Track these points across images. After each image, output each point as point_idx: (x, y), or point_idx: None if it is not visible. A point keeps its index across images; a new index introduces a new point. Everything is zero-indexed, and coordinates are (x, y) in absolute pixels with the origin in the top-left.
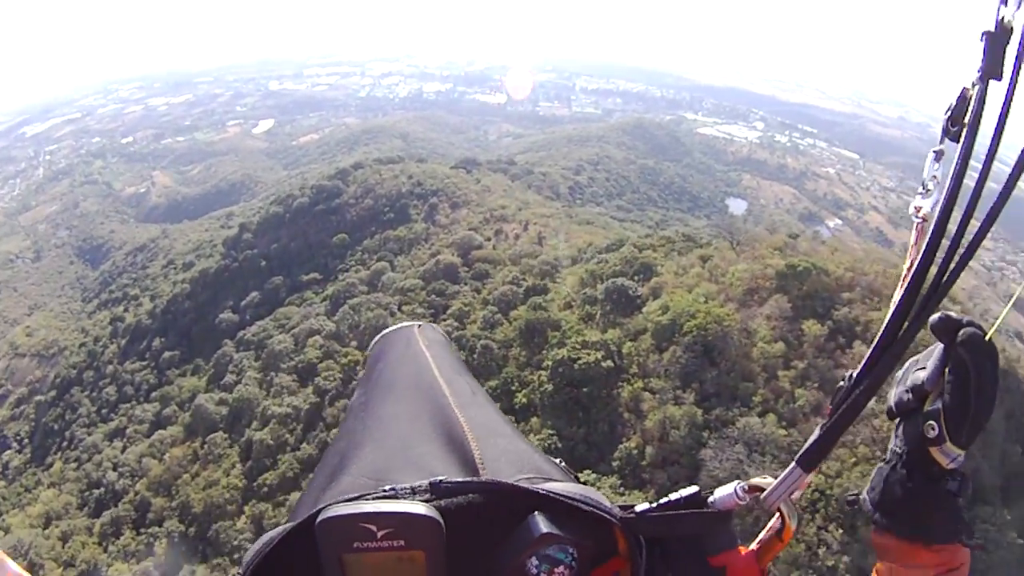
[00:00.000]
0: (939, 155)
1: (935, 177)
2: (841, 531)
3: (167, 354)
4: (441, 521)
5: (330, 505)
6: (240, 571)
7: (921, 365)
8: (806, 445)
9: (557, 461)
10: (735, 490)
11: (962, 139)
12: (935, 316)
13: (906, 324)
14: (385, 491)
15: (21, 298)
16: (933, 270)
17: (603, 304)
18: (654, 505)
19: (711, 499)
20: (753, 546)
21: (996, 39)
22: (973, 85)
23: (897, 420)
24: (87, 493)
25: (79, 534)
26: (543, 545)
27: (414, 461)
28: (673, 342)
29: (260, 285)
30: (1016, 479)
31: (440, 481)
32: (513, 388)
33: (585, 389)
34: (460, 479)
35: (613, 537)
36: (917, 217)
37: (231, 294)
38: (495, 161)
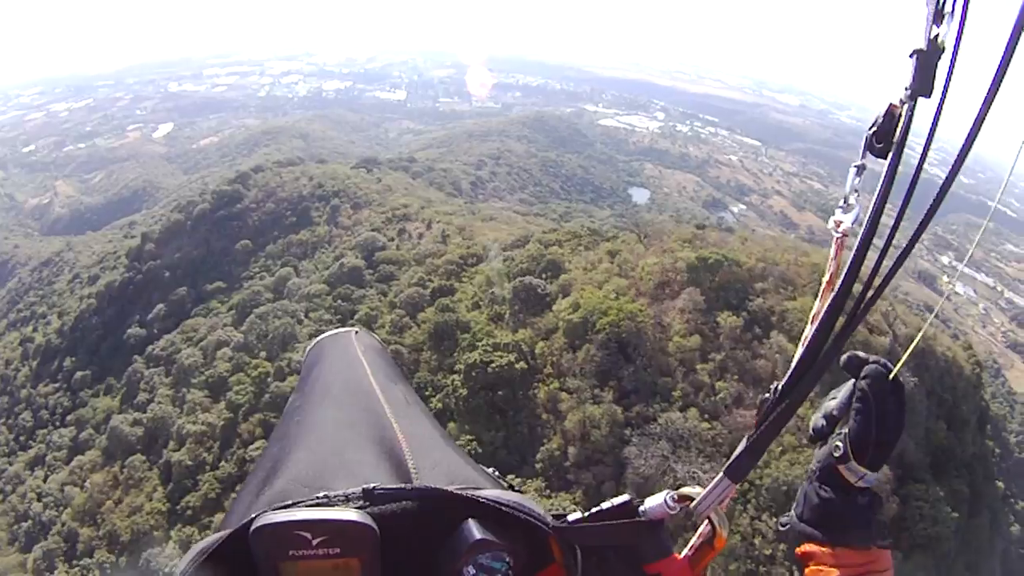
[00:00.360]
0: (860, 170)
1: (856, 192)
2: (775, 519)
3: (79, 374)
4: (376, 528)
5: (264, 512)
6: None
7: (833, 396)
8: (733, 456)
9: (490, 471)
10: (665, 500)
11: (890, 157)
12: (844, 356)
13: (831, 337)
14: (319, 498)
15: None
16: (860, 281)
17: (512, 304)
18: (586, 514)
19: (642, 508)
20: (686, 553)
21: (927, 57)
22: (901, 103)
23: (817, 443)
24: (16, 527)
25: (14, 571)
26: (477, 551)
27: (348, 468)
28: (587, 340)
29: (165, 297)
30: (943, 454)
31: (374, 488)
32: (427, 393)
33: (500, 392)
34: (394, 486)
35: (548, 546)
36: (837, 232)
37: (137, 308)
38: (396, 159)
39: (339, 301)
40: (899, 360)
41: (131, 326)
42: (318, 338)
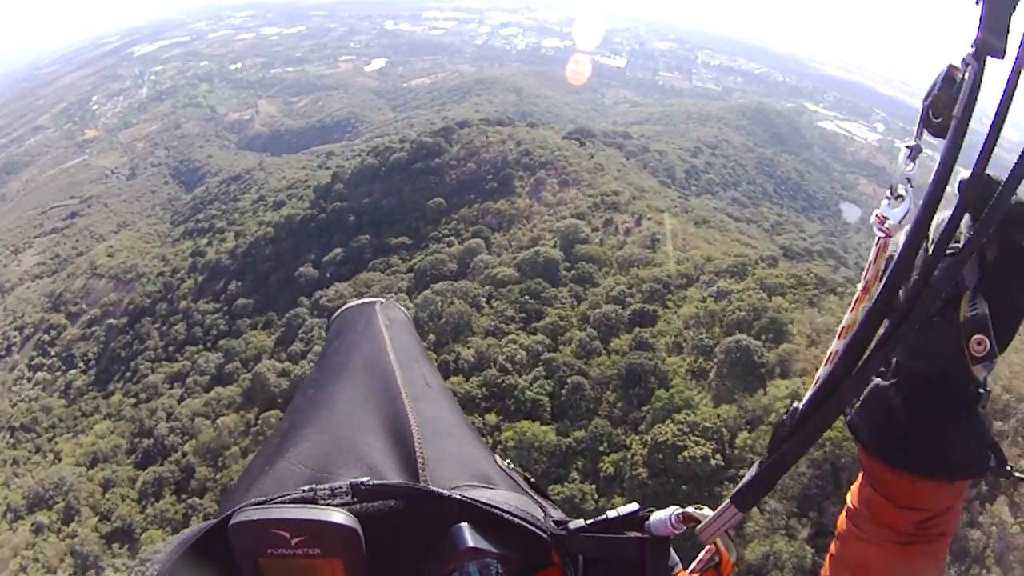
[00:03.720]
0: (914, 152)
1: (908, 180)
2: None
3: (241, 301)
4: (359, 529)
5: (243, 508)
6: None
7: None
8: (741, 483)
9: (507, 464)
10: (670, 518)
11: (949, 134)
12: (964, 177)
13: (863, 358)
14: (304, 492)
15: (111, 214)
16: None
17: (720, 365)
18: (589, 523)
19: (647, 522)
20: (692, 573)
21: (997, 5)
22: (964, 64)
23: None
24: (137, 440)
25: (121, 485)
26: (466, 559)
27: (355, 452)
28: None
29: (345, 241)
30: None
31: (361, 483)
32: (601, 448)
33: (685, 487)
34: (383, 482)
35: (548, 550)
36: (880, 230)
37: (315, 246)
38: (610, 132)
39: (526, 297)
40: None
41: (304, 264)
42: (343, 307)
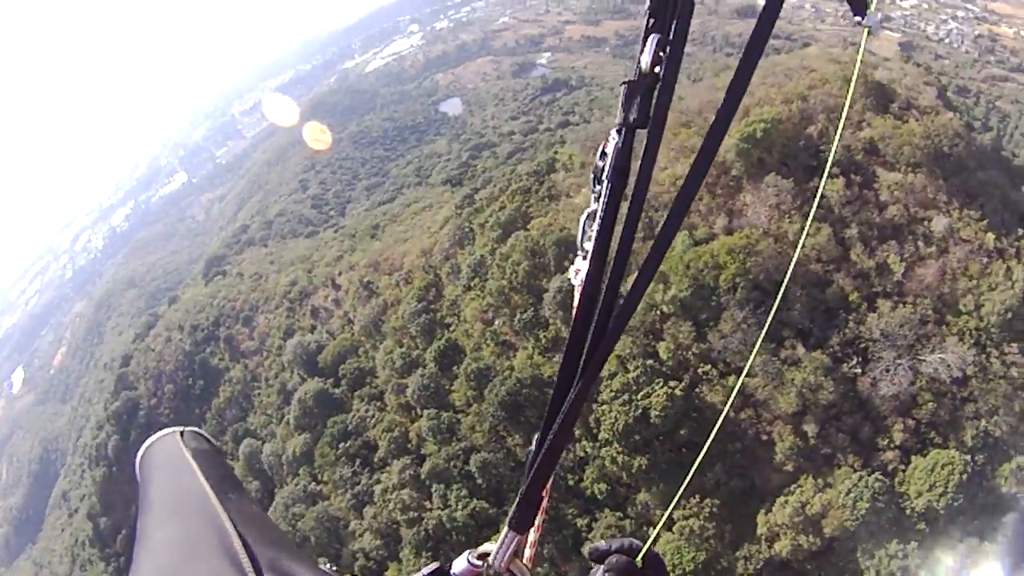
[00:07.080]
0: (593, 216)
1: (591, 239)
2: None
3: None
4: None
5: None
6: None
7: None
8: (512, 509)
9: (330, 568)
10: (468, 559)
11: (603, 197)
12: (590, 548)
13: (576, 381)
14: None
15: None
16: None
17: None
18: None
19: (452, 572)
20: None
21: (637, 87)
22: (612, 139)
23: None
24: None
25: None
26: None
27: None
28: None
29: None
30: None
31: None
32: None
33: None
34: None
35: None
36: (576, 281)
37: None
38: (231, 240)
39: (347, 442)
40: (647, 538)
41: None
42: (144, 445)
